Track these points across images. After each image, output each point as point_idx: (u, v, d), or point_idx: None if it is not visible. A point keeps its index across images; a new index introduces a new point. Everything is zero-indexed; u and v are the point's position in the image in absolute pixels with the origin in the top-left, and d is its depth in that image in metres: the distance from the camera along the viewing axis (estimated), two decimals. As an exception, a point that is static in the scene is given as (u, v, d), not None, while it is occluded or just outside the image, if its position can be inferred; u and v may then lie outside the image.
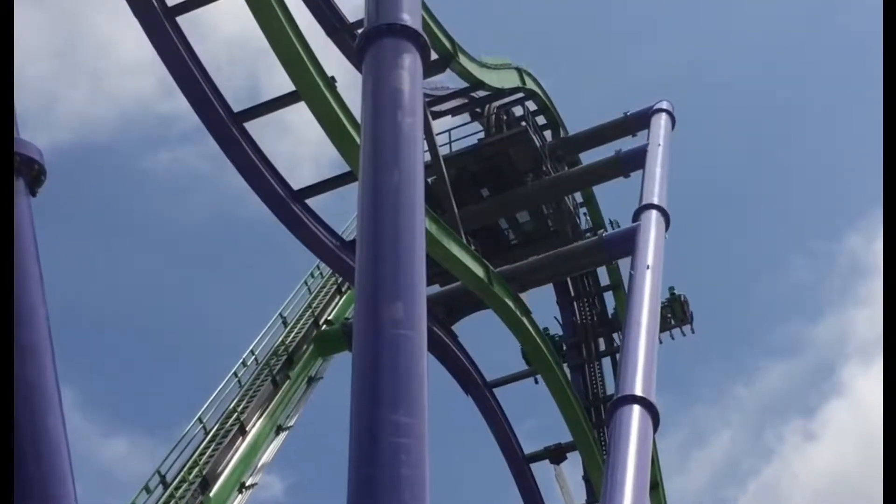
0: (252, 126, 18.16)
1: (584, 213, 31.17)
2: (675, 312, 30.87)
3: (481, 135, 29.24)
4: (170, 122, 61.31)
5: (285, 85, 18.03)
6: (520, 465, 26.53)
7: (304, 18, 19.41)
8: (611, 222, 30.51)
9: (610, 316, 31.45)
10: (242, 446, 20.66)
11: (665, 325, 30.54)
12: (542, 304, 29.71)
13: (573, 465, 27.89)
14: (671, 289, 30.68)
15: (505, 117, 29.43)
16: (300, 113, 17.93)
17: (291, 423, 22.48)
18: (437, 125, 28.09)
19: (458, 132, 29.62)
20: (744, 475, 61.61)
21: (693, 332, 30.86)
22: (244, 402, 21.49)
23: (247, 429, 20.92)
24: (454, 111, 29.63)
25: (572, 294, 31.66)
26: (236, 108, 18.04)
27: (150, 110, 62.09)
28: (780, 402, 63.60)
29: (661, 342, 30.16)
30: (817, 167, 66.28)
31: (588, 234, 29.91)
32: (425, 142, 21.74)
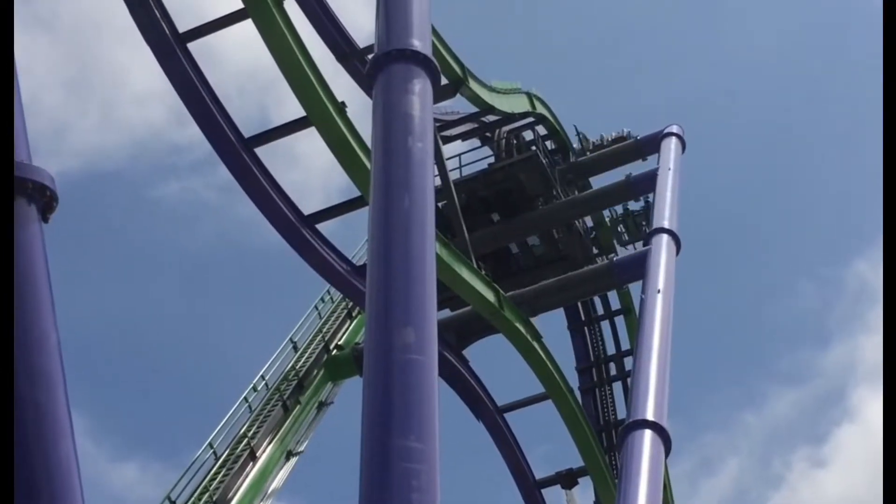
0: (261, 154, 18.20)
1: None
2: (649, 221, 30.65)
3: (491, 159, 29.32)
4: (179, 152, 61.61)
5: (294, 115, 18.12)
6: (531, 490, 26.44)
7: (314, 44, 19.50)
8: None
9: (621, 340, 31.42)
10: (253, 472, 20.61)
11: (640, 235, 30.05)
12: (553, 328, 29.71)
13: (585, 491, 27.79)
14: (646, 198, 30.41)
15: (515, 142, 29.51)
16: (309, 143, 17.99)
17: (302, 449, 22.44)
18: (448, 150, 28.17)
19: (468, 157, 29.75)
20: (753, 503, 61.28)
21: None
22: (254, 428, 21.45)
23: (257, 454, 20.88)
24: (464, 136, 29.71)
25: (583, 318, 31.64)
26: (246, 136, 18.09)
27: (160, 140, 62.38)
28: (789, 429, 63.35)
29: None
30: (825, 192, 66.27)
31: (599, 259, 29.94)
32: (435, 166, 21.80)
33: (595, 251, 30.42)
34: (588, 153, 31.57)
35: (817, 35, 68.77)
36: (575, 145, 31.62)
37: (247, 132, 17.99)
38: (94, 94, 59.31)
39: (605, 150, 31.41)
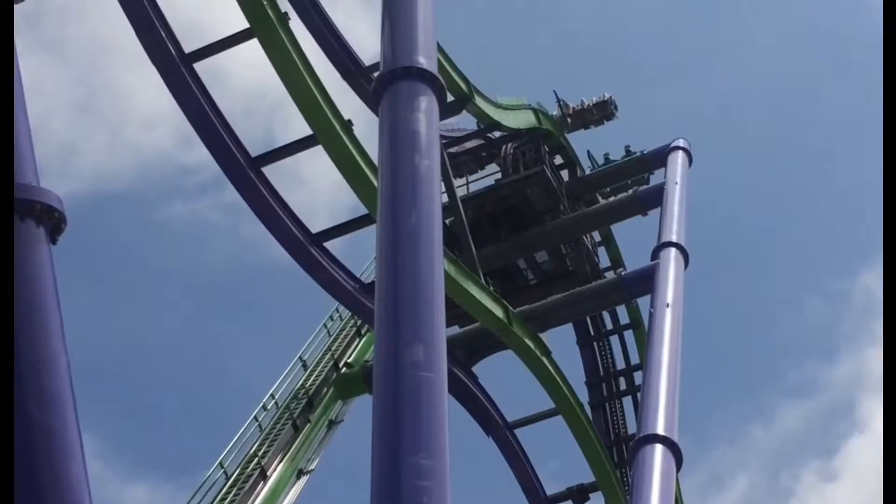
0: (268, 175, 18.21)
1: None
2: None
3: (498, 175, 29.35)
4: (186, 174, 61.84)
5: (300, 136, 18.15)
6: (542, 506, 26.36)
7: (320, 63, 19.54)
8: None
9: (630, 355, 31.36)
10: (264, 491, 20.60)
11: (622, 186, 30.57)
12: (562, 343, 29.66)
13: (596, 506, 27.70)
14: (627, 147, 30.78)
15: (522, 157, 29.51)
16: (314, 165, 18.04)
17: (312, 467, 22.43)
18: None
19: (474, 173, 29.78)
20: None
21: None
22: (265, 447, 21.45)
23: (268, 473, 20.87)
24: (471, 152, 29.74)
25: (592, 333, 31.59)
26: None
27: (168, 162, 62.65)
28: (799, 442, 63.19)
29: None
30: (831, 205, 66.22)
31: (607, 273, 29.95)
32: (443, 183, 21.78)
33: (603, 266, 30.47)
34: (568, 119, 31.53)
35: (826, 46, 68.81)
36: (554, 112, 31.51)
37: (253, 153, 18.02)
38: (102, 117, 59.58)
39: (611, 165, 31.37)
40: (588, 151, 31.81)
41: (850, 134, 66.33)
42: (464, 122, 29.21)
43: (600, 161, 31.65)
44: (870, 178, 58.90)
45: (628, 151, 31.26)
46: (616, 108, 32.01)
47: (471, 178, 29.30)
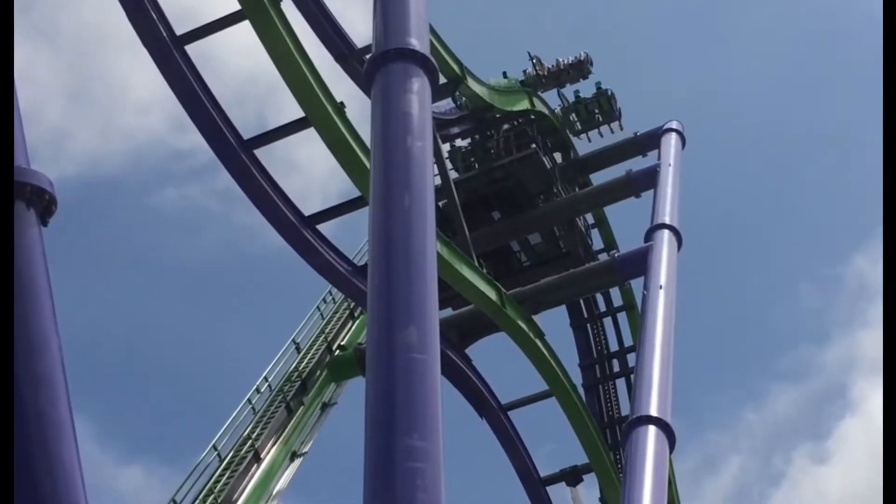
0: (260, 158, 18.15)
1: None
2: (601, 108, 30.92)
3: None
4: (179, 159, 61.81)
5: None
6: (536, 487, 26.40)
7: (312, 45, 19.46)
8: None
9: (623, 337, 31.39)
10: (257, 473, 20.61)
11: (592, 123, 30.68)
12: (556, 325, 29.69)
13: (590, 487, 27.79)
14: (598, 83, 30.75)
15: (515, 140, 29.48)
16: (307, 149, 18.00)
17: (306, 450, 22.45)
18: (447, 148, 28.16)
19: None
20: (756, 501, 61.33)
21: (622, 130, 30.85)
22: (258, 429, 21.46)
23: (261, 456, 20.88)
24: (463, 134, 29.69)
25: (585, 315, 31.61)
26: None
27: (161, 148, 62.61)
28: (791, 426, 63.47)
29: (589, 141, 30.74)
30: (823, 190, 66.29)
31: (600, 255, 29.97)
32: (435, 165, 21.78)
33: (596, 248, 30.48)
34: (543, 80, 31.40)
35: (818, 33, 68.78)
36: (529, 70, 31.43)
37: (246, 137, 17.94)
38: (96, 103, 59.51)
39: (605, 147, 31.36)
40: (558, 91, 31.71)
41: (843, 120, 66.45)
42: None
43: (571, 99, 31.60)
44: (864, 165, 59.00)
45: (599, 88, 31.21)
46: (591, 64, 31.77)
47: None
